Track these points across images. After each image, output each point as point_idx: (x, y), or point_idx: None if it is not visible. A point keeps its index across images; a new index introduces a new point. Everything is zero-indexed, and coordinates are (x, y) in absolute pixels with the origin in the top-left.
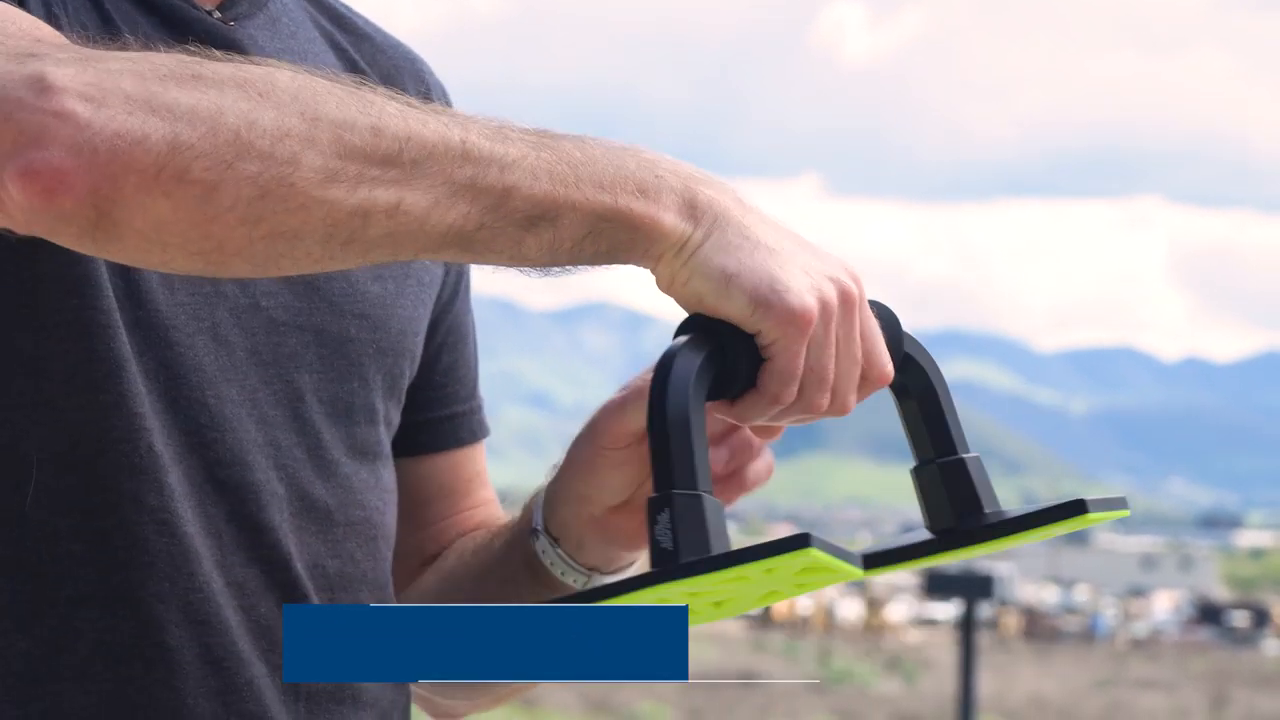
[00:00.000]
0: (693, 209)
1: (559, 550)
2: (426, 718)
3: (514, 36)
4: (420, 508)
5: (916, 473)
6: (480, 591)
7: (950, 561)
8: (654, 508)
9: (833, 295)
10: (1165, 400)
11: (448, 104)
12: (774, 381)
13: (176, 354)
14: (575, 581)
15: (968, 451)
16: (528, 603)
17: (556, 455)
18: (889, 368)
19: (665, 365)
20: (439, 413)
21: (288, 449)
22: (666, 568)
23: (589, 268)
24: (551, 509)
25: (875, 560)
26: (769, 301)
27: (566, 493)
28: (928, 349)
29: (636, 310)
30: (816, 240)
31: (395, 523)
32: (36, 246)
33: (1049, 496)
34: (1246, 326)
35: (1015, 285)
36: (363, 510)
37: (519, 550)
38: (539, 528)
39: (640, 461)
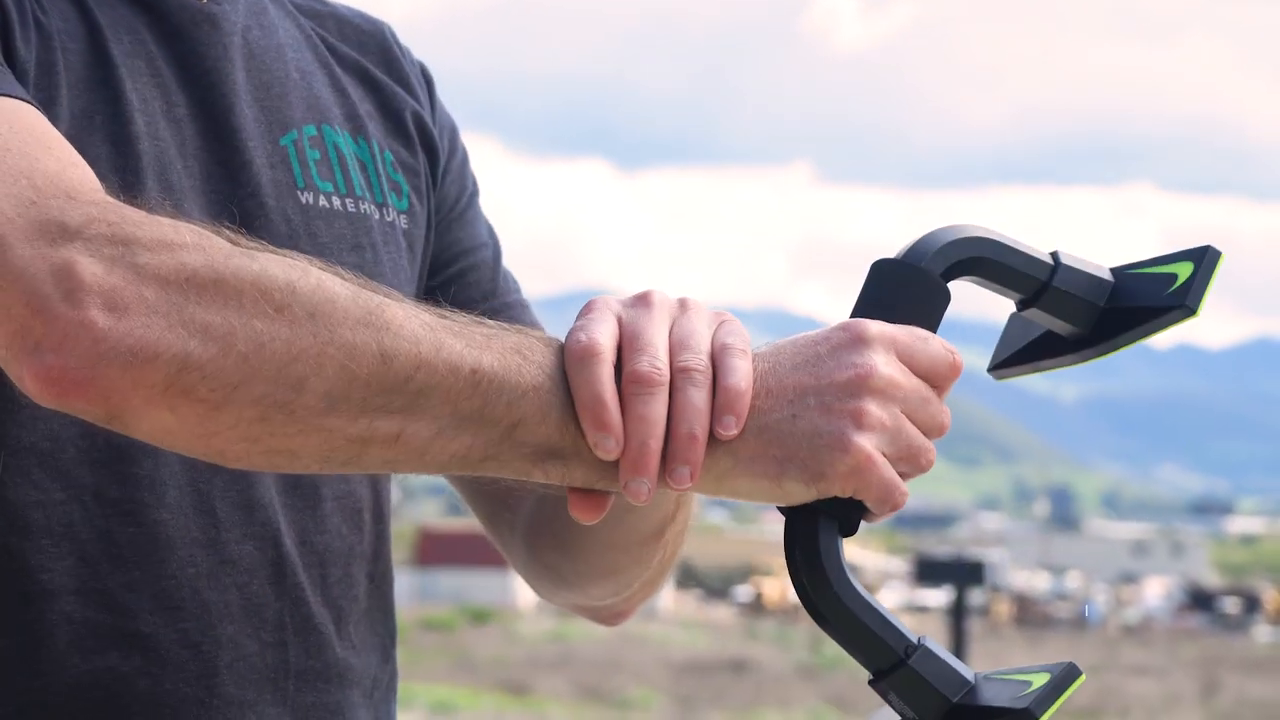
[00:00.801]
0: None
1: None
2: (419, 701)
3: (505, 25)
4: None
5: (1019, 312)
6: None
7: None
8: (880, 691)
9: (870, 412)
10: (1157, 387)
11: (417, 73)
12: (881, 507)
13: None
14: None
15: (1047, 273)
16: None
17: None
18: (949, 372)
19: (795, 565)
20: (499, 300)
21: None
22: None
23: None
24: None
25: (1012, 366)
26: (825, 475)
27: None
28: (955, 237)
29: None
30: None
31: (387, 493)
32: None
33: (1040, 484)
34: (1238, 313)
35: None
36: (347, 484)
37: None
38: None
39: None
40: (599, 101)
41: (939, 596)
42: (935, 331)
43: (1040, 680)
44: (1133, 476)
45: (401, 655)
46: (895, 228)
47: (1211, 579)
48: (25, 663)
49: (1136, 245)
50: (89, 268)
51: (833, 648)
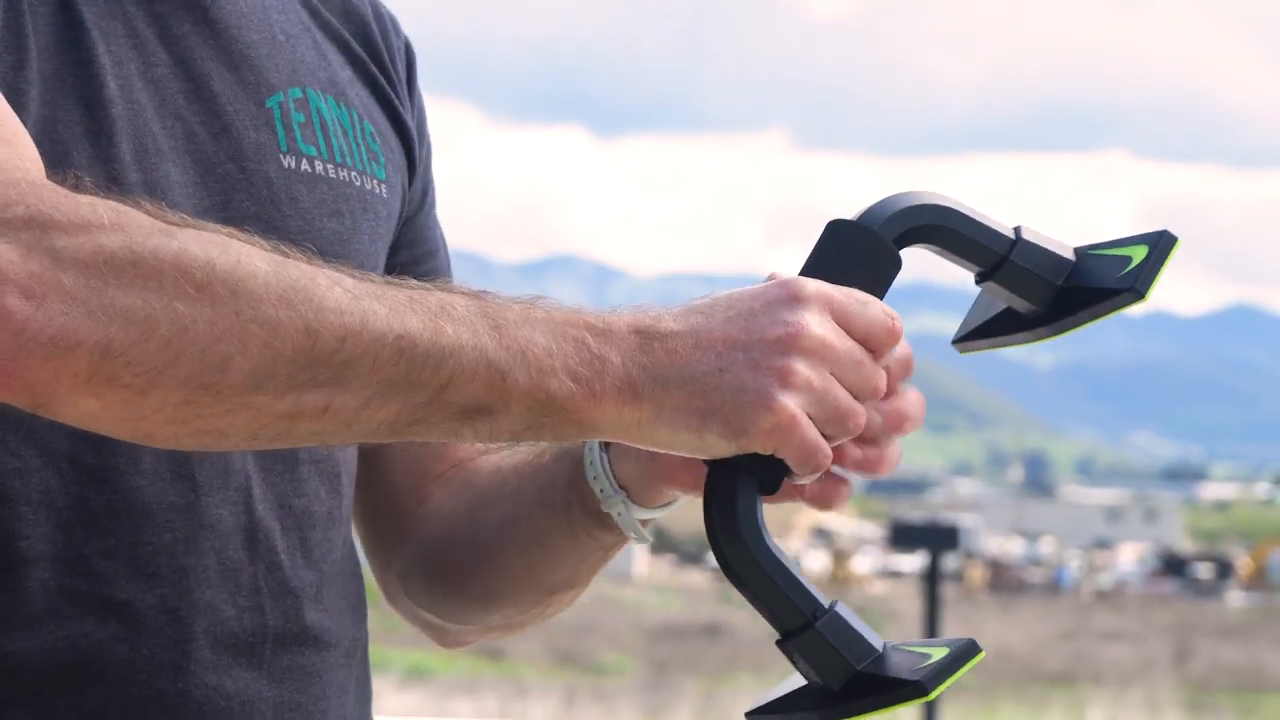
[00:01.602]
0: (633, 388)
1: (629, 503)
2: (394, 666)
3: None
4: (424, 459)
5: (982, 286)
6: (518, 511)
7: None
8: (786, 653)
9: (797, 372)
10: (1131, 354)
11: (401, 53)
12: (802, 468)
13: None
14: (641, 538)
15: (1007, 245)
16: (574, 555)
17: None
18: (887, 337)
19: (711, 519)
20: None
21: None
22: (831, 712)
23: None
24: (622, 457)
25: (976, 339)
26: (746, 431)
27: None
28: (909, 204)
29: (605, 263)
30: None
31: (356, 459)
32: None
33: (1015, 450)
34: (1212, 280)
35: None
36: (326, 448)
37: (566, 505)
38: (613, 486)
39: None
40: (577, 68)
41: (913, 562)
42: (882, 297)
43: (939, 654)
44: (1107, 443)
45: (375, 620)
46: (870, 195)
47: (1185, 545)
48: (1, 628)
49: (1111, 213)
50: (4, 254)
51: None
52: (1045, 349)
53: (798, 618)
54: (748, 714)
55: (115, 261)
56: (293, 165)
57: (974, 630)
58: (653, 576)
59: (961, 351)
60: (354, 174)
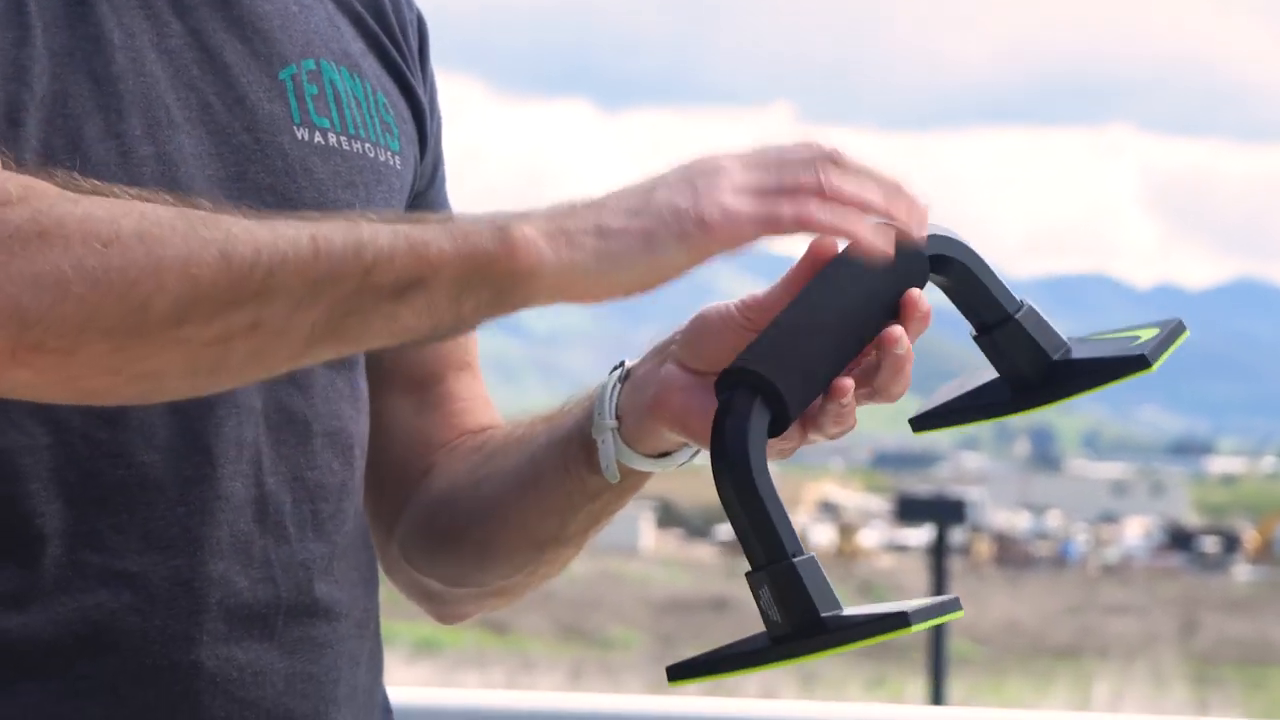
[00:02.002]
0: (565, 234)
1: (619, 436)
2: (401, 639)
3: None
4: (423, 390)
5: (979, 341)
6: (522, 457)
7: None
8: (754, 585)
9: (725, 169)
10: None
11: (413, 26)
12: (771, 228)
13: None
14: (611, 476)
15: (1017, 308)
16: (563, 499)
17: (530, 382)
18: (806, 150)
19: (720, 437)
20: None
21: None
22: (785, 647)
23: (485, 322)
24: (632, 391)
25: (937, 419)
26: (689, 234)
27: (651, 373)
28: (948, 234)
29: None
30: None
31: (368, 430)
32: None
33: (1021, 424)
34: (1218, 253)
35: (987, 213)
36: (339, 420)
37: (564, 443)
38: (610, 416)
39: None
40: (581, 41)
41: (920, 535)
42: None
43: (905, 607)
44: (1113, 416)
45: (383, 594)
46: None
47: (1191, 518)
48: (13, 601)
49: (1117, 186)
50: None
51: None
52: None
53: (778, 552)
54: (670, 668)
55: (21, 234)
56: (306, 137)
57: (981, 604)
58: (660, 550)
59: (915, 430)
60: (368, 146)
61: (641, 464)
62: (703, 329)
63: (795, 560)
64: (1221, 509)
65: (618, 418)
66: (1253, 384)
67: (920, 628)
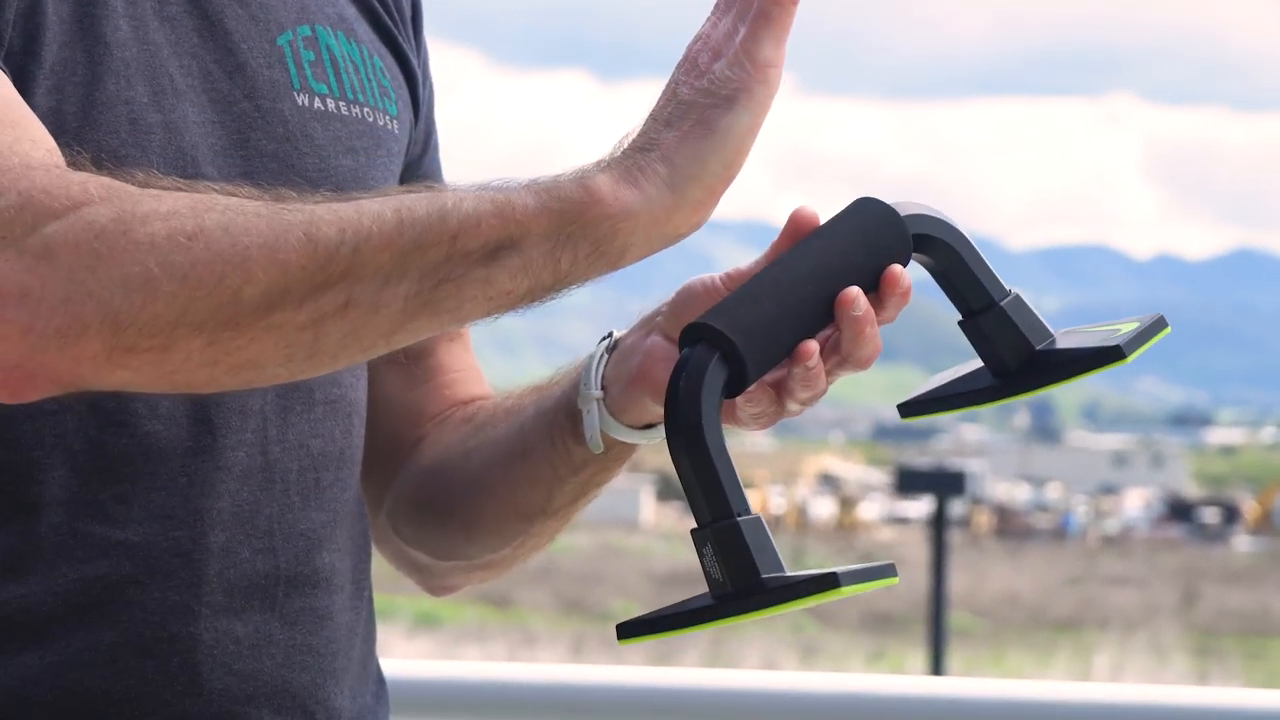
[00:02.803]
0: (631, 169)
1: (604, 406)
2: (402, 613)
3: None
4: (413, 362)
5: (964, 327)
6: (511, 427)
7: (1004, 402)
8: (697, 541)
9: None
10: (1137, 298)
11: None
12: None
13: None
14: (595, 446)
15: (1005, 295)
16: (549, 470)
17: (529, 357)
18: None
19: (675, 390)
20: None
21: None
22: (723, 606)
23: (584, 281)
24: (618, 361)
25: (925, 406)
26: (739, 91)
27: (636, 344)
28: (937, 215)
29: None
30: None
31: (365, 398)
32: None
33: (1027, 397)
34: (1218, 224)
35: (988, 183)
36: (339, 388)
37: (552, 412)
38: (595, 386)
39: None
40: (579, 12)
41: (920, 507)
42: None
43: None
44: (1113, 388)
45: (384, 567)
46: (878, 138)
47: (1191, 490)
48: (12, 570)
49: (1118, 156)
50: None
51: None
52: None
53: (724, 509)
54: (619, 626)
55: (107, 235)
56: (306, 103)
57: (981, 576)
58: (660, 524)
59: (903, 415)
60: (366, 110)
61: (625, 435)
62: (688, 299)
63: (740, 519)
64: (1221, 480)
65: (603, 388)
66: (1252, 355)
67: (850, 590)
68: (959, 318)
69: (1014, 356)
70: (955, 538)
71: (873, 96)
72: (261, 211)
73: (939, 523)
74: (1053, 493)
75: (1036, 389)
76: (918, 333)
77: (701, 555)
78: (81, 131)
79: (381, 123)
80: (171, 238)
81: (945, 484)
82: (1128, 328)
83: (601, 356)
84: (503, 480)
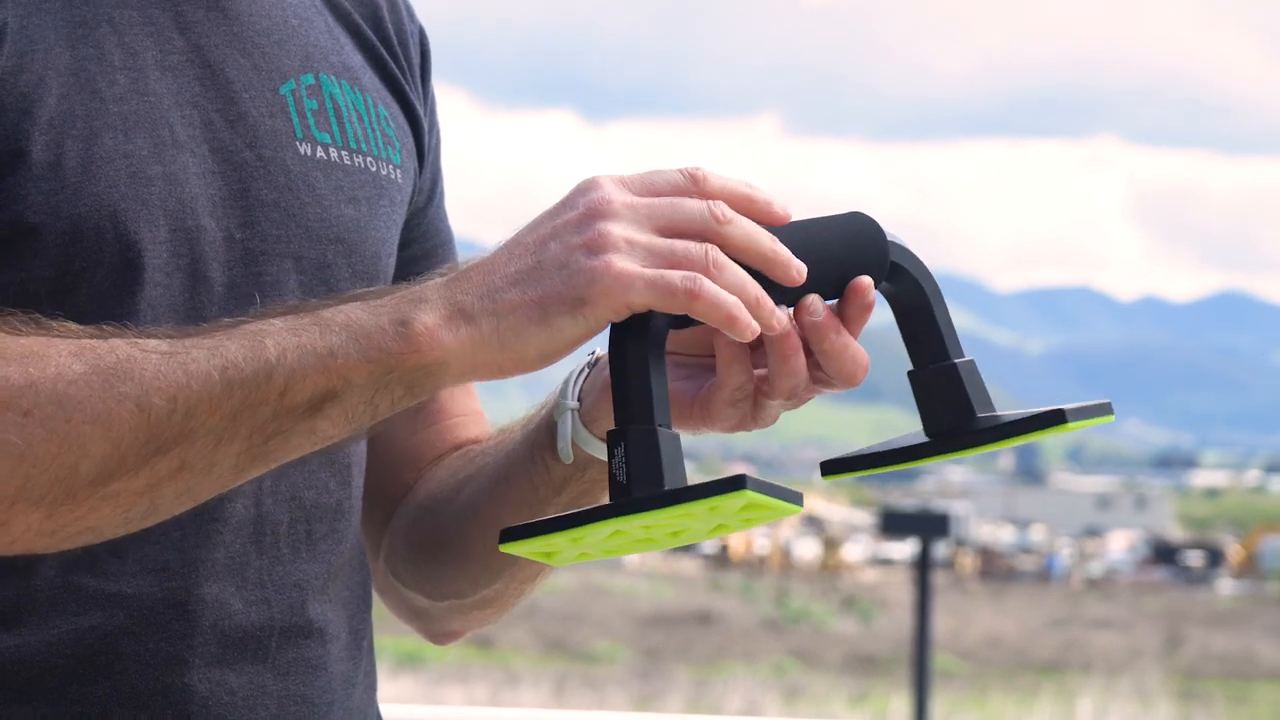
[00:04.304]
0: (462, 310)
1: (578, 417)
2: (385, 653)
3: None
4: (416, 409)
5: (912, 377)
6: (499, 454)
7: (931, 462)
8: (611, 441)
9: (610, 233)
10: (1122, 340)
11: (415, 40)
12: (672, 302)
13: (156, 295)
14: (565, 456)
15: (961, 356)
16: (530, 491)
17: (515, 399)
18: (683, 179)
19: (621, 322)
20: None
21: None
22: (614, 504)
23: (399, 410)
24: (597, 374)
25: (846, 465)
26: (585, 299)
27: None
28: (919, 258)
29: None
30: (766, 180)
31: (365, 448)
32: (17, 207)
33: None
34: (1203, 266)
35: (973, 225)
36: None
37: (534, 432)
38: (571, 398)
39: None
40: (567, 52)
41: (904, 549)
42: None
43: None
44: (1097, 430)
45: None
46: (863, 180)
47: (1175, 532)
48: (6, 623)
49: (1103, 198)
50: None
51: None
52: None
53: (646, 417)
54: (502, 532)
55: None
56: (308, 153)
57: (965, 618)
58: (643, 564)
59: (824, 475)
60: (369, 159)
61: (595, 447)
62: None
63: (659, 428)
64: (1205, 523)
65: (579, 400)
66: (1236, 397)
67: (757, 497)
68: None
69: (954, 418)
70: (939, 580)
71: (857, 138)
72: (94, 381)
73: (923, 564)
74: (1037, 535)
75: (970, 449)
76: (902, 373)
77: (611, 455)
78: (81, 185)
79: (385, 172)
80: (5, 415)
81: (930, 526)
82: (1075, 406)
83: (582, 370)
84: (488, 507)
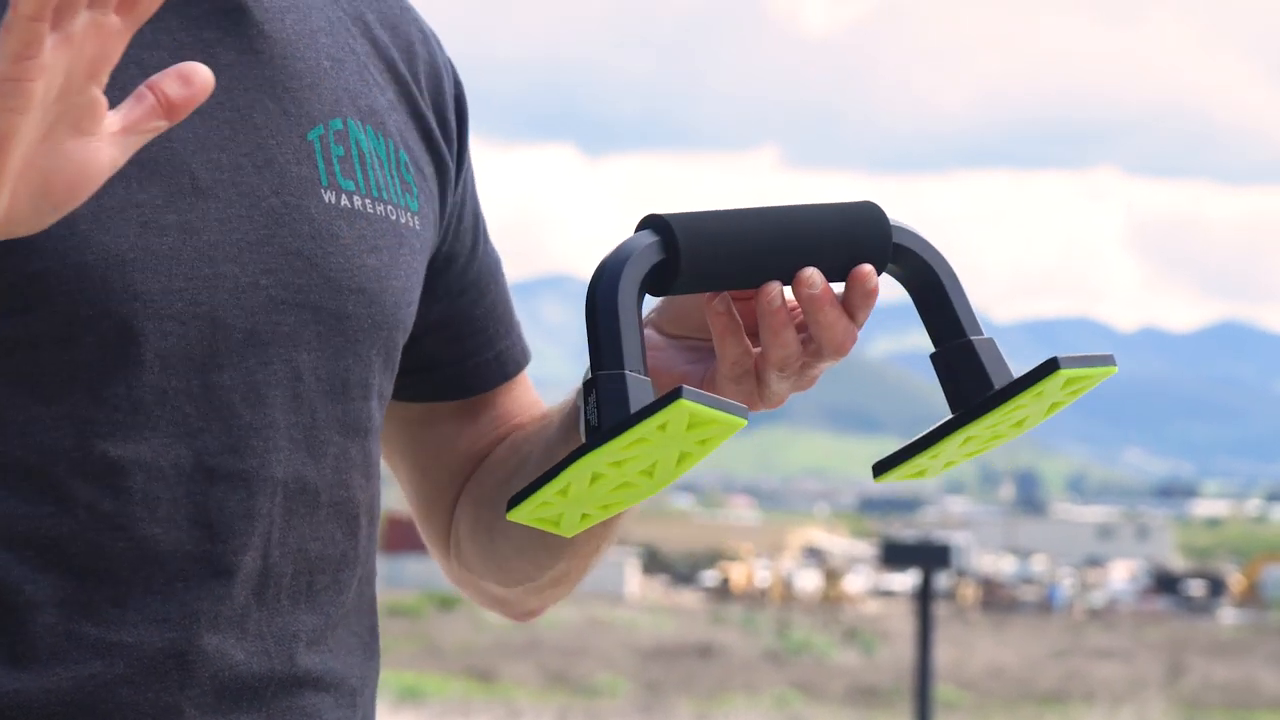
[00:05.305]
0: None
1: None
2: (386, 687)
3: (473, 9)
4: (472, 410)
5: (933, 359)
6: (540, 463)
7: (951, 446)
8: (585, 390)
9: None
10: (1122, 370)
11: (450, 84)
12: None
13: (168, 345)
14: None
15: (979, 334)
16: (561, 435)
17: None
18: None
19: (603, 260)
20: (487, 354)
21: (283, 430)
22: (585, 446)
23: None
24: None
25: (890, 463)
26: None
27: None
28: (926, 240)
29: None
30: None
31: (378, 494)
32: (22, 253)
33: (1006, 468)
34: (1202, 296)
35: (973, 256)
36: (347, 490)
37: (568, 417)
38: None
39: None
40: (566, 86)
41: (905, 580)
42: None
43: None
44: (1098, 460)
45: None
46: None
47: (1177, 562)
48: (5, 669)
49: (1102, 229)
50: None
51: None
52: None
53: (615, 363)
54: (509, 501)
55: None
56: (333, 201)
57: (967, 649)
58: (645, 597)
59: (876, 476)
60: (390, 208)
61: None
62: (683, 298)
63: (629, 373)
64: (1207, 552)
65: None
66: (1237, 427)
67: (697, 408)
68: (943, 391)
69: (974, 392)
70: (941, 610)
71: (857, 170)
72: None
73: (924, 595)
74: (1038, 565)
75: (983, 416)
76: (902, 405)
77: (585, 403)
78: (90, 235)
79: (404, 220)
80: None
81: (931, 557)
82: (1069, 356)
83: None
84: (536, 472)
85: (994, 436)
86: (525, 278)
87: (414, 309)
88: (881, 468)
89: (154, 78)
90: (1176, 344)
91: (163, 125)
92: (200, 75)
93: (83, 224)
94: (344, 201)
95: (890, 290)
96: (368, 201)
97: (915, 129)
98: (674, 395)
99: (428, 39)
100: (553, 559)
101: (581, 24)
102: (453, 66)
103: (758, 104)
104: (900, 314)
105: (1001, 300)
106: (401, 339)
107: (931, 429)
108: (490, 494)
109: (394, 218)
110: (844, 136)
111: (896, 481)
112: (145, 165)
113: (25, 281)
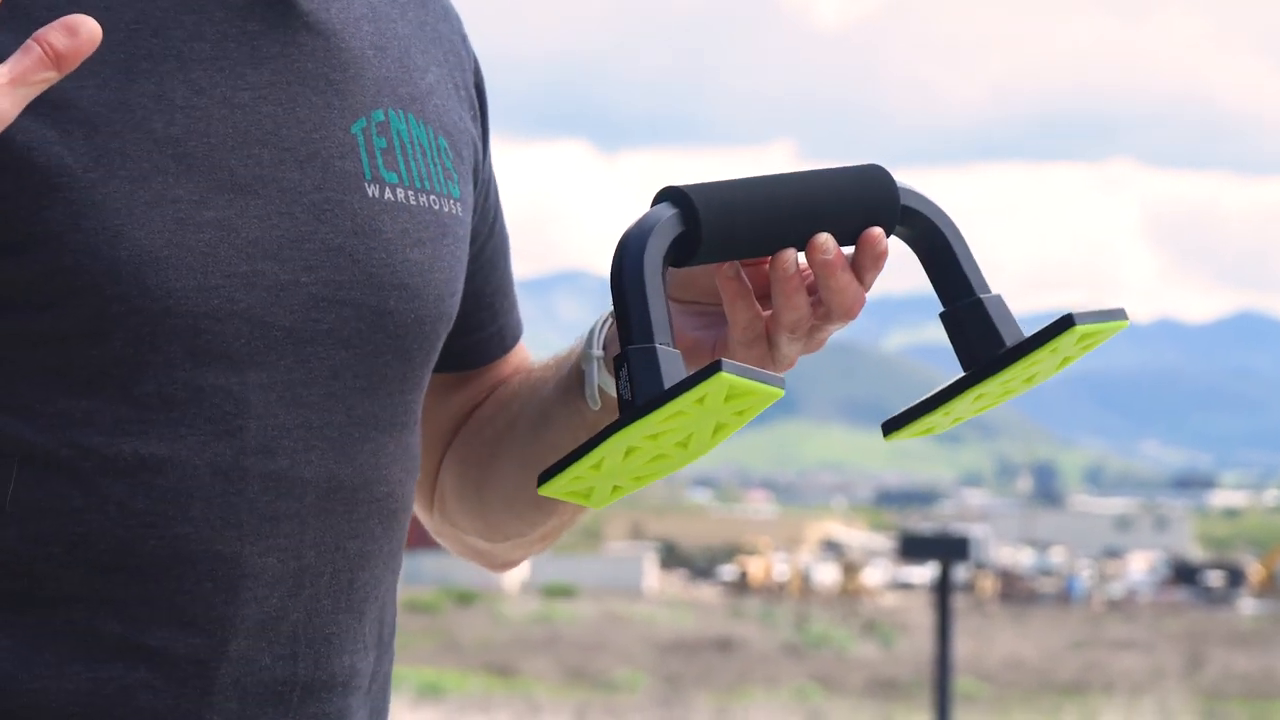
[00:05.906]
0: None
1: (603, 365)
2: (406, 683)
3: (488, 5)
4: (467, 377)
5: (943, 318)
6: (534, 424)
7: (963, 404)
8: (617, 365)
9: None
10: (1139, 362)
11: (473, 71)
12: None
13: (202, 343)
14: (593, 402)
15: (986, 291)
16: (567, 433)
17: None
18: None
19: (625, 234)
20: (490, 329)
21: (319, 429)
22: (617, 419)
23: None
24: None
25: (901, 421)
26: None
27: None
28: (933, 201)
29: None
30: None
31: (415, 488)
32: (53, 246)
33: (1024, 461)
34: (1218, 288)
35: (988, 249)
36: (386, 485)
37: (565, 378)
38: (596, 346)
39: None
40: (579, 82)
41: (923, 573)
42: (862, 228)
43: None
44: (1116, 451)
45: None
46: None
47: (1195, 553)
48: (25, 666)
49: (1118, 221)
50: None
51: (818, 627)
52: None
53: (646, 336)
54: (540, 477)
55: None
56: (376, 194)
57: (986, 641)
58: (664, 591)
59: (886, 436)
60: (432, 198)
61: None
62: (690, 269)
63: (659, 346)
64: (1225, 543)
65: (604, 348)
66: (1255, 417)
67: (736, 380)
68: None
69: (985, 350)
70: (959, 603)
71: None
72: None
73: (943, 588)
74: (1056, 557)
75: (999, 370)
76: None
77: (618, 379)
78: (123, 229)
79: (447, 209)
80: None
81: (949, 549)
82: (1082, 312)
83: (606, 320)
84: (531, 451)
85: (1005, 393)
86: (540, 274)
87: (458, 298)
88: (892, 426)
89: (41, 30)
90: (1193, 335)
91: (53, 76)
92: (86, 26)
93: (115, 219)
94: (387, 195)
95: (905, 283)
96: (410, 193)
97: (930, 123)
98: (714, 368)
99: (453, 18)
100: (545, 516)
101: (595, 20)
102: (480, 85)
103: (772, 99)
104: (915, 307)
105: (1018, 293)
106: (445, 330)
107: (944, 386)
108: (479, 453)
109: (437, 207)
110: (858, 131)
111: (905, 439)
112: (182, 160)
113: (54, 275)
